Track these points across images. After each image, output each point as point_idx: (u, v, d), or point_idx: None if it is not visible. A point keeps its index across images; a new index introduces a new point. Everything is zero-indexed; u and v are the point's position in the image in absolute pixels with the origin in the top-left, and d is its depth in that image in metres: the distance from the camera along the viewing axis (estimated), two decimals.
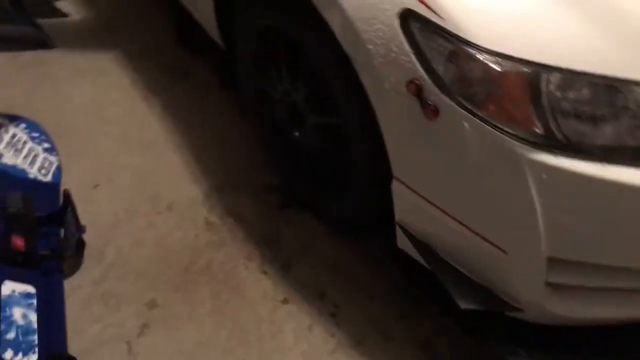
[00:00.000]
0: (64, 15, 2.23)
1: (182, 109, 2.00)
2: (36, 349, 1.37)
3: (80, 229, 1.59)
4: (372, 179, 1.45)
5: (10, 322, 1.38)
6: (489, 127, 1.07)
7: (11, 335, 1.36)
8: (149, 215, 1.71)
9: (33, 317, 1.42)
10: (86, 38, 2.22)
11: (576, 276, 1.17)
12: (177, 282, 1.58)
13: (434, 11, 1.07)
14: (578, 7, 1.06)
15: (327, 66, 1.41)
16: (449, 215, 1.23)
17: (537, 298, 1.19)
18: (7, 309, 1.39)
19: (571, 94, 1.05)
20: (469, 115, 1.08)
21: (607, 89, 1.04)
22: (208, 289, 1.57)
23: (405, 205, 1.33)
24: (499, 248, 1.18)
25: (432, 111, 1.12)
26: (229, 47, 1.81)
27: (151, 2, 2.41)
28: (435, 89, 1.10)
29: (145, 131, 1.93)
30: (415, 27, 1.10)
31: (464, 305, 1.24)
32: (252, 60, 1.70)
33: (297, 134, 1.66)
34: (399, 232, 1.39)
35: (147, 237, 1.67)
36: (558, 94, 1.04)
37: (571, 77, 1.04)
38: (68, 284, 1.54)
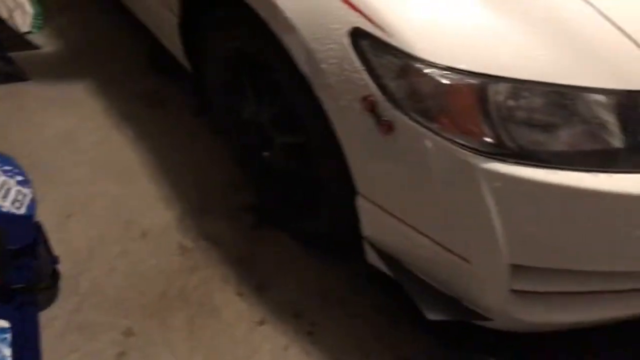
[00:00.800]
0: (36, 47, 2.24)
1: (155, 135, 2.01)
2: None
3: (54, 259, 1.59)
4: (340, 196, 1.45)
5: None
6: (443, 140, 1.09)
7: None
8: (123, 243, 1.71)
9: (7, 351, 1.41)
10: (58, 69, 2.23)
11: (540, 282, 1.17)
12: (152, 309, 1.57)
13: (381, 28, 1.09)
14: (520, 19, 1.08)
15: (289, 86, 1.43)
16: (412, 228, 1.24)
17: (503, 306, 1.20)
18: None
19: (520, 103, 1.06)
20: (423, 128, 1.10)
21: (555, 96, 1.06)
22: (183, 314, 1.56)
23: (371, 220, 1.34)
24: (463, 258, 1.19)
25: (387, 127, 1.13)
26: (197, 71, 1.83)
27: (121, 30, 2.42)
28: (389, 105, 1.11)
29: (118, 158, 1.94)
30: (365, 44, 1.12)
31: (431, 316, 1.24)
32: (220, 83, 1.72)
33: (266, 154, 1.67)
34: (367, 247, 1.40)
35: (121, 265, 1.66)
36: (507, 103, 1.06)
37: (518, 87, 1.05)
38: (44, 315, 1.53)
